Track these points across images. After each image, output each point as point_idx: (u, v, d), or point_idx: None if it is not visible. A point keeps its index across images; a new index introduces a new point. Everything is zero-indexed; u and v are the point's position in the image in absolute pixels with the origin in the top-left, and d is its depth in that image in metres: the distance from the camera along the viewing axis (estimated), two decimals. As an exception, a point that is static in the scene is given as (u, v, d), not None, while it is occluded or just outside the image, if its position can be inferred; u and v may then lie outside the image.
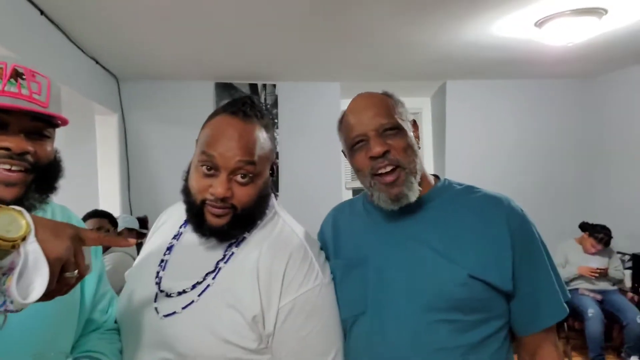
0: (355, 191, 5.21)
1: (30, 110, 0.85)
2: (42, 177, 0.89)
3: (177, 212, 1.11)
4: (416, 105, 4.93)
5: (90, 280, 1.05)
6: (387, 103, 1.06)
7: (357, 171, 1.07)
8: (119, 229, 3.24)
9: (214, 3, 2.45)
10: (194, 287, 0.95)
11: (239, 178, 0.94)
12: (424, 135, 4.88)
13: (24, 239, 0.62)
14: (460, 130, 4.47)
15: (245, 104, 0.99)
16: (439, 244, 0.99)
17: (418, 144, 1.08)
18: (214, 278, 0.95)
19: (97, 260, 1.08)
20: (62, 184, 0.95)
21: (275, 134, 3.87)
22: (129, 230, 3.37)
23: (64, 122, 0.93)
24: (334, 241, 1.13)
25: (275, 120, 4.24)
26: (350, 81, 4.22)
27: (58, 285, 0.67)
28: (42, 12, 2.49)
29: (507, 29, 2.99)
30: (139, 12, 2.54)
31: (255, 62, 3.63)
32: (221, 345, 0.89)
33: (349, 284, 1.03)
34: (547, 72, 4.20)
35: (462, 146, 4.46)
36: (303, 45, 3.25)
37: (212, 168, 0.93)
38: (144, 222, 3.60)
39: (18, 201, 0.85)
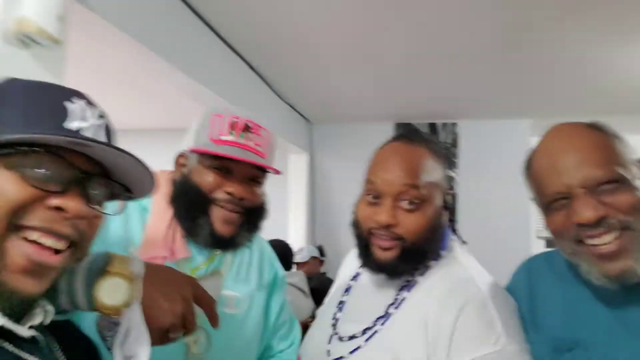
0: (550, 242, 4.58)
1: (254, 163, 0.96)
2: (252, 218, 1.00)
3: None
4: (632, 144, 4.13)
5: (274, 310, 1.13)
6: (600, 142, 0.77)
7: (555, 235, 0.81)
8: (306, 259, 3.51)
9: (395, 43, 2.52)
10: (364, 332, 0.90)
11: (404, 205, 0.87)
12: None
13: (127, 306, 0.61)
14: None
15: (410, 132, 0.96)
16: None
17: None
18: (383, 324, 0.89)
19: (282, 292, 1.17)
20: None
21: (453, 173, 3.65)
22: (314, 258, 3.63)
23: (276, 172, 1.03)
24: (531, 310, 0.88)
25: (455, 160, 4.07)
26: (543, 117, 3.78)
27: (161, 342, 0.66)
28: (250, 66, 2.93)
29: None
30: (327, 61, 2.78)
31: (435, 100, 3.58)
32: None
33: None
34: None
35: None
36: (487, 79, 3.07)
37: (376, 196, 0.89)
38: (321, 251, 3.83)
39: (232, 238, 0.97)
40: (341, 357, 0.90)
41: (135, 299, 0.61)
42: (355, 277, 1.05)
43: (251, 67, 2.96)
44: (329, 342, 0.96)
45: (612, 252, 0.72)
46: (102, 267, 0.63)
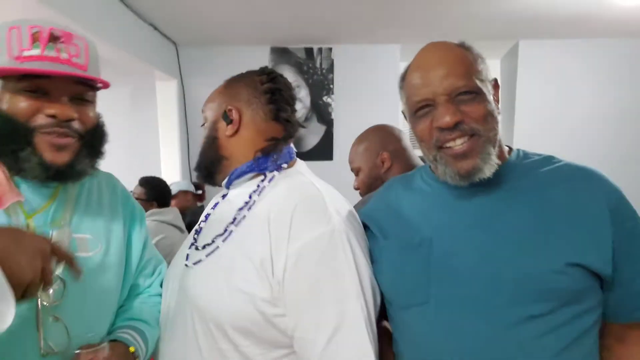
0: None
1: (70, 75, 0.82)
2: (90, 143, 0.89)
3: None
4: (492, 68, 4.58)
5: (135, 248, 1.06)
6: (464, 59, 0.87)
7: (420, 141, 0.92)
8: (173, 192, 3.33)
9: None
10: (204, 247, 0.98)
11: None
12: (491, 101, 4.56)
13: None
14: (532, 96, 4.09)
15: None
16: (525, 225, 0.84)
17: (498, 108, 0.90)
18: (224, 240, 0.96)
19: (142, 229, 1.10)
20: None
21: (330, 99, 3.79)
22: (184, 192, 3.46)
23: (105, 85, 0.91)
24: (387, 220, 1.00)
25: (331, 86, 4.11)
26: (410, 43, 3.96)
27: (21, 298, 0.65)
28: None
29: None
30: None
31: (311, 24, 3.50)
32: (234, 295, 0.88)
33: (406, 269, 0.91)
34: (635, 31, 3.72)
35: (534, 114, 4.08)
36: (360, 5, 3.07)
37: None
38: (198, 186, 3.68)
39: (70, 167, 0.85)
40: (186, 266, 0.99)
41: None
42: (224, 196, 1.10)
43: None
44: (189, 247, 1.03)
45: (463, 152, 0.85)
46: None
